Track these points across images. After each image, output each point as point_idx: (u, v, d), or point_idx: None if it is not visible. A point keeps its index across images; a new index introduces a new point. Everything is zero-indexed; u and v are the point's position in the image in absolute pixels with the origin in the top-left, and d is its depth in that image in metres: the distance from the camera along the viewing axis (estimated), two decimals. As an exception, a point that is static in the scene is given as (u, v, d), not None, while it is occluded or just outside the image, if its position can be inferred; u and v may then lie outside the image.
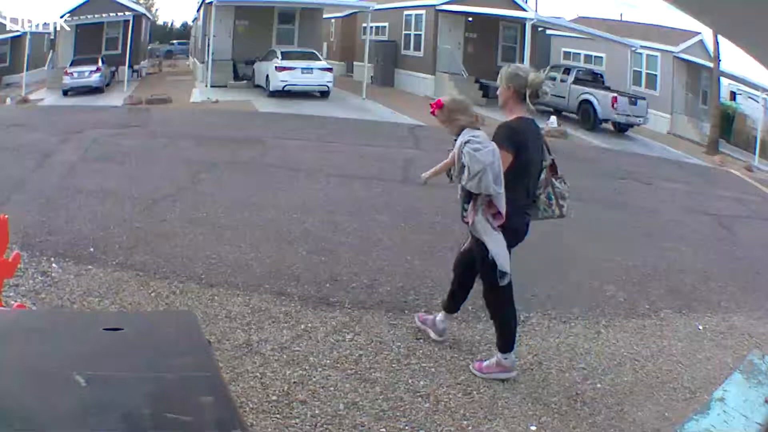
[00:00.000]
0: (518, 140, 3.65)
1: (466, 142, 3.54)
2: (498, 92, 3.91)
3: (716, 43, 17.89)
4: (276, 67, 17.96)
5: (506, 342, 3.94)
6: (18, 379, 1.56)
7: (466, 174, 3.46)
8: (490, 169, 3.40)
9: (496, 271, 3.59)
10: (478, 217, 3.59)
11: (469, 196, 3.62)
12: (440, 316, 4.34)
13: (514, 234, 3.72)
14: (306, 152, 11.06)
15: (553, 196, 3.86)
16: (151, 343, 1.91)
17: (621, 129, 18.06)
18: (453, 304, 4.25)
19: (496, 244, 3.57)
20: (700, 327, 5.31)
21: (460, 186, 3.62)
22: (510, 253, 3.69)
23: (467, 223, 3.70)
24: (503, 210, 3.53)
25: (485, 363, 4.01)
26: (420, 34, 21.44)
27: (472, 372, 4.03)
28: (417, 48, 21.57)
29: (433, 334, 4.34)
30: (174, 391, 1.61)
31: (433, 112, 3.76)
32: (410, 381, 3.96)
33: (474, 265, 3.84)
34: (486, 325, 4.86)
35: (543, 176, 3.82)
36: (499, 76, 3.80)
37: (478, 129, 3.65)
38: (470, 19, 20.74)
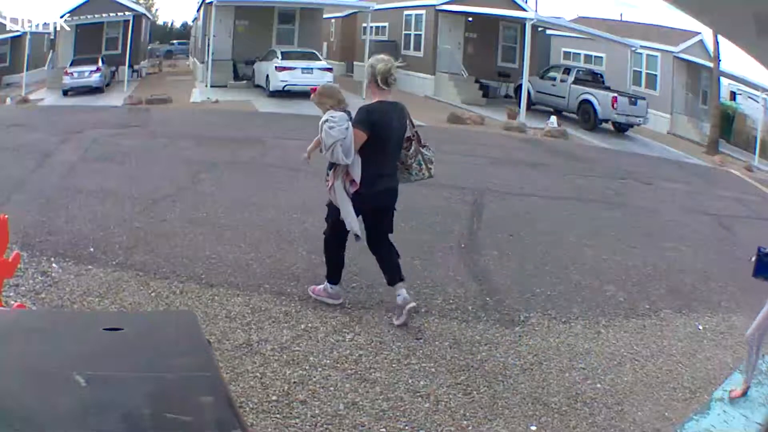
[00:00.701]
0: (373, 120, 4.21)
1: (325, 121, 4.20)
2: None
3: (716, 43, 17.88)
4: (276, 67, 17.96)
5: (331, 274, 4.79)
6: (18, 379, 1.56)
7: (323, 146, 4.22)
8: (341, 143, 4.08)
9: (342, 225, 4.34)
10: (337, 182, 4.29)
11: (331, 166, 4.33)
12: (403, 289, 4.65)
13: (371, 198, 4.34)
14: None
15: (422, 162, 4.57)
16: (151, 343, 1.91)
17: (621, 129, 18.05)
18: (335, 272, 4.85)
19: (346, 209, 4.30)
20: (700, 327, 5.31)
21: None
22: (382, 214, 4.50)
23: (330, 188, 4.39)
24: (358, 178, 4.23)
25: (318, 287, 4.87)
26: (420, 34, 21.44)
27: (310, 293, 4.88)
28: (417, 48, 21.57)
29: (330, 300, 4.82)
30: (174, 391, 1.61)
31: (312, 97, 4.46)
32: (410, 381, 3.96)
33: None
34: (486, 325, 4.87)
35: (413, 147, 4.51)
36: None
37: (342, 111, 4.22)
38: (470, 19, 20.74)
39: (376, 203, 4.42)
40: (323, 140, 4.20)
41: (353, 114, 4.29)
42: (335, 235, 4.56)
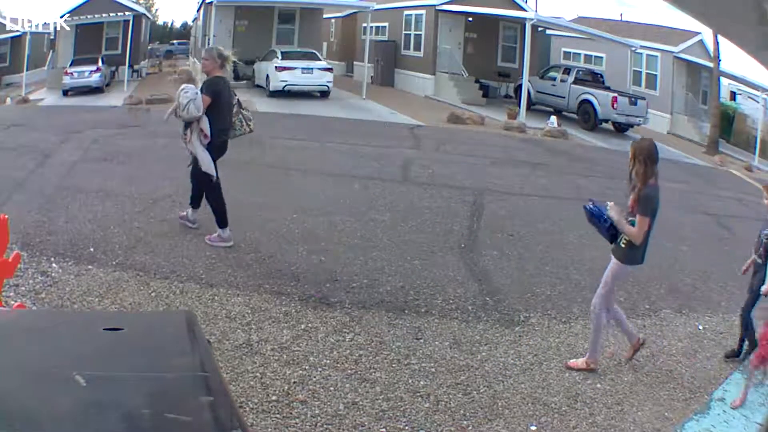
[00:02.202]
0: (214, 89, 5.58)
1: (181, 90, 5.53)
2: (202, 63, 5.90)
3: (716, 43, 17.87)
4: (276, 67, 17.95)
5: (221, 220, 5.88)
6: (18, 379, 1.56)
7: (180, 108, 5.46)
8: (193, 102, 5.40)
9: (207, 175, 5.62)
10: (194, 136, 5.57)
11: (187, 125, 5.59)
12: (191, 211, 6.16)
13: (217, 149, 5.71)
14: (306, 152, 11.06)
15: (243, 120, 5.86)
16: (151, 343, 1.91)
17: (621, 129, 18.04)
18: (196, 202, 6.11)
19: (203, 157, 5.58)
20: (700, 327, 5.31)
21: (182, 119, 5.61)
22: (216, 162, 5.69)
23: (185, 142, 5.69)
24: (208, 131, 5.54)
25: (213, 236, 5.92)
26: (420, 34, 21.42)
27: (207, 242, 5.86)
28: (417, 48, 21.55)
29: (190, 224, 6.15)
30: (174, 391, 1.61)
31: (173, 77, 5.88)
32: (410, 381, 3.96)
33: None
34: (486, 325, 4.87)
35: (235, 109, 5.81)
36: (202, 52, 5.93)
37: (191, 85, 5.62)
38: (470, 19, 20.71)
39: (219, 152, 5.75)
40: (180, 102, 5.46)
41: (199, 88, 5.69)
42: (208, 185, 5.73)
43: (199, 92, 5.47)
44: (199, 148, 5.56)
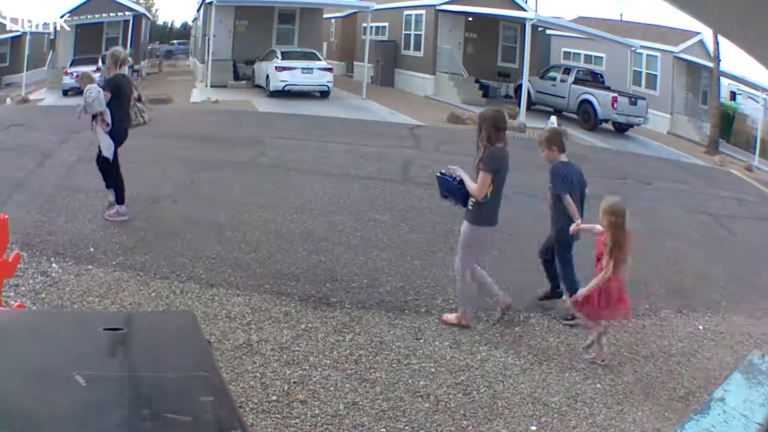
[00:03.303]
0: (114, 85, 6.27)
1: (86, 90, 6.22)
2: (106, 64, 6.63)
3: (716, 43, 17.85)
4: (276, 67, 17.94)
5: (119, 197, 6.52)
6: (18, 379, 1.56)
7: (87, 105, 6.24)
8: (96, 99, 6.15)
9: (106, 158, 6.43)
10: (98, 127, 6.35)
11: (93, 117, 6.32)
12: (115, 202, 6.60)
13: (117, 136, 6.40)
14: (306, 152, 11.06)
15: (137, 112, 6.57)
16: (151, 343, 1.91)
17: (621, 129, 18.02)
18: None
19: (104, 140, 6.37)
20: (700, 327, 5.31)
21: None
22: (116, 147, 6.43)
23: (92, 130, 6.48)
24: (109, 121, 6.26)
25: (111, 211, 6.50)
26: (420, 34, 21.41)
27: (106, 218, 6.44)
28: (417, 48, 21.53)
29: (121, 218, 6.49)
30: (174, 391, 1.61)
31: (77, 81, 6.69)
32: (410, 381, 3.96)
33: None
34: (486, 325, 4.87)
35: (132, 102, 6.51)
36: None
37: (93, 85, 6.30)
38: (470, 19, 20.70)
39: (119, 139, 6.46)
40: (86, 101, 6.22)
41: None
42: (108, 166, 6.49)
43: (101, 90, 6.23)
44: (101, 135, 6.35)
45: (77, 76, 6.29)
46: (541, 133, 5.00)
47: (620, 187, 10.88)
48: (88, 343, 1.82)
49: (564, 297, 5.06)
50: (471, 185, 4.47)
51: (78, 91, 20.15)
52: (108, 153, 6.35)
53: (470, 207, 4.53)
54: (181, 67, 27.23)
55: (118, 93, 6.26)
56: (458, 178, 4.55)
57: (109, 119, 6.22)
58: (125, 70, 6.61)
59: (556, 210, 4.95)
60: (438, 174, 4.74)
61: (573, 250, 4.95)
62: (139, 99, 6.66)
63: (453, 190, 4.58)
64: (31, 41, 20.39)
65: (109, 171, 6.50)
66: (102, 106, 6.17)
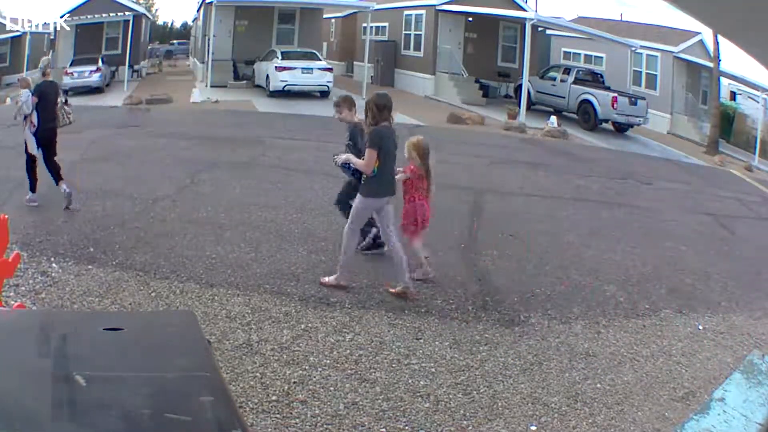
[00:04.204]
0: (39, 92, 6.87)
1: (18, 95, 6.94)
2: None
3: (716, 43, 17.84)
4: (276, 67, 17.94)
5: (32, 186, 6.94)
6: (18, 379, 1.56)
7: (19, 108, 6.88)
8: (25, 104, 6.77)
9: (31, 154, 6.89)
10: (26, 127, 6.82)
11: (24, 118, 6.82)
12: (65, 188, 6.89)
13: (44, 135, 6.83)
14: (306, 152, 11.06)
15: (63, 114, 7.12)
16: (151, 343, 1.91)
17: (621, 129, 18.03)
18: (55, 179, 6.95)
19: (29, 139, 6.83)
20: (700, 327, 5.31)
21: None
22: (49, 146, 6.88)
23: (23, 130, 6.95)
24: (35, 122, 6.76)
25: (26, 197, 6.91)
26: (420, 34, 21.41)
27: (25, 204, 6.85)
28: (417, 48, 21.54)
29: (33, 203, 6.91)
30: (174, 391, 1.61)
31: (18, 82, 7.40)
32: (410, 381, 3.96)
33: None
34: (486, 325, 4.87)
35: (59, 105, 7.09)
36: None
37: (26, 90, 6.92)
38: (470, 19, 20.70)
39: (45, 137, 6.87)
40: (19, 104, 6.86)
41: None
42: (28, 161, 6.92)
43: (30, 95, 6.86)
44: (28, 135, 6.86)
45: (19, 80, 7.25)
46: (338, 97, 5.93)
47: (620, 187, 10.89)
48: (88, 343, 1.82)
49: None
50: (359, 163, 4.97)
51: (78, 91, 20.04)
52: (32, 150, 6.89)
53: (362, 182, 5.00)
54: (181, 67, 27.24)
55: (45, 98, 6.90)
56: (349, 165, 5.09)
57: (36, 120, 6.80)
58: (50, 77, 7.45)
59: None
60: (334, 162, 5.30)
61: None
62: (65, 102, 7.39)
63: (349, 171, 5.17)
64: (31, 41, 20.40)
65: (28, 164, 6.95)
66: (29, 109, 6.80)
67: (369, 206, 5.08)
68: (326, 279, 5.21)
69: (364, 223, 5.22)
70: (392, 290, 5.11)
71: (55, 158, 6.90)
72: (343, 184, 5.82)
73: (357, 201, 5.04)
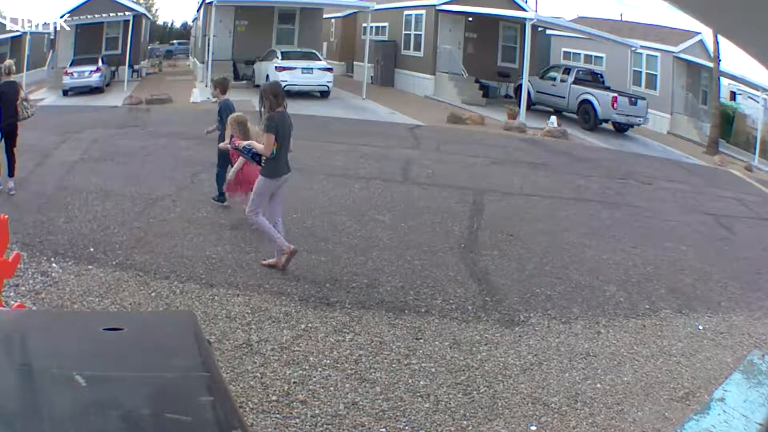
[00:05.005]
0: (1, 92, 7.09)
1: None
2: None
3: (716, 43, 17.84)
4: (276, 67, 17.93)
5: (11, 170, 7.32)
6: (18, 379, 1.56)
7: None
8: None
9: None
10: None
11: None
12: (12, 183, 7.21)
13: (6, 130, 7.19)
14: (306, 152, 11.02)
15: (24, 109, 7.37)
16: (151, 343, 1.91)
17: (621, 129, 18.02)
18: (10, 171, 7.30)
19: None
20: (700, 327, 5.31)
21: None
22: (12, 136, 7.28)
23: None
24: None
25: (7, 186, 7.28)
26: (420, 34, 21.40)
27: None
28: (417, 48, 21.53)
29: (10, 192, 7.21)
30: (174, 391, 1.61)
31: None
32: (410, 381, 3.96)
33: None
34: (486, 325, 4.87)
35: (20, 101, 7.30)
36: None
37: None
38: (470, 19, 20.70)
39: (7, 131, 7.24)
40: None
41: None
42: None
43: None
44: None
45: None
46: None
47: (620, 187, 10.89)
48: (88, 343, 1.82)
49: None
50: (259, 147, 5.35)
51: (78, 91, 19.97)
52: None
53: (263, 164, 5.39)
54: (181, 67, 27.24)
55: (5, 97, 7.34)
56: (249, 149, 5.46)
57: None
58: (11, 78, 7.89)
59: (222, 133, 6.74)
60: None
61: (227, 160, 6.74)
62: (26, 99, 7.84)
63: (249, 155, 5.50)
64: (31, 41, 20.39)
65: None
66: None
67: (269, 185, 5.42)
68: (266, 261, 5.56)
69: (264, 202, 5.49)
70: (264, 262, 5.54)
71: (15, 149, 7.46)
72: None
73: (258, 182, 5.41)
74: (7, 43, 20.60)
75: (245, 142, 5.56)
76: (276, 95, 5.38)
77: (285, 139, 5.35)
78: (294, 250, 5.44)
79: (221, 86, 7.18)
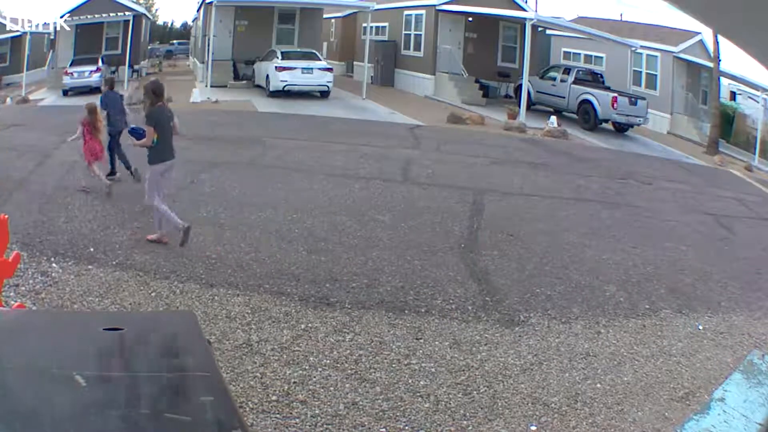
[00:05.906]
0: None
1: None
2: None
3: (716, 43, 17.82)
4: (276, 67, 17.92)
5: None
6: (18, 379, 1.56)
7: None
8: None
9: None
10: None
11: None
12: None
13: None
14: (306, 152, 11.06)
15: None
16: (151, 343, 1.91)
17: (621, 129, 18.01)
18: None
19: None
20: (700, 327, 5.31)
21: None
22: None
23: None
24: None
25: None
26: (420, 34, 21.39)
27: None
28: (417, 48, 21.52)
29: None
30: (174, 391, 1.61)
31: None
32: (410, 381, 3.96)
33: None
34: (486, 325, 4.87)
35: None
36: None
37: None
38: (470, 19, 20.68)
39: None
40: None
41: None
42: None
43: None
44: None
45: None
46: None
47: (620, 187, 10.89)
48: (88, 343, 1.82)
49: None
50: (142, 140, 5.95)
51: (78, 91, 19.97)
52: None
53: (148, 153, 5.97)
54: (181, 67, 27.21)
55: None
56: (138, 130, 6.06)
57: None
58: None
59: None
60: (131, 128, 6.40)
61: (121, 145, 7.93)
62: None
63: (140, 135, 6.00)
64: (31, 41, 20.37)
65: None
66: None
67: (156, 170, 5.98)
68: (150, 236, 6.02)
69: (157, 187, 5.98)
70: (149, 237, 6.00)
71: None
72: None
73: (150, 171, 6.00)
74: (7, 43, 20.60)
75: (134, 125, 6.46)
76: (156, 93, 5.99)
77: (164, 129, 5.93)
78: (188, 227, 5.92)
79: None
